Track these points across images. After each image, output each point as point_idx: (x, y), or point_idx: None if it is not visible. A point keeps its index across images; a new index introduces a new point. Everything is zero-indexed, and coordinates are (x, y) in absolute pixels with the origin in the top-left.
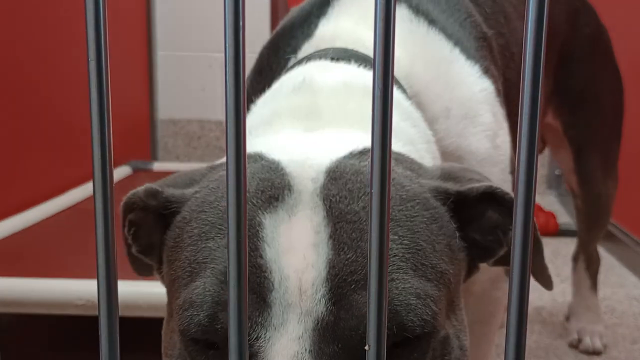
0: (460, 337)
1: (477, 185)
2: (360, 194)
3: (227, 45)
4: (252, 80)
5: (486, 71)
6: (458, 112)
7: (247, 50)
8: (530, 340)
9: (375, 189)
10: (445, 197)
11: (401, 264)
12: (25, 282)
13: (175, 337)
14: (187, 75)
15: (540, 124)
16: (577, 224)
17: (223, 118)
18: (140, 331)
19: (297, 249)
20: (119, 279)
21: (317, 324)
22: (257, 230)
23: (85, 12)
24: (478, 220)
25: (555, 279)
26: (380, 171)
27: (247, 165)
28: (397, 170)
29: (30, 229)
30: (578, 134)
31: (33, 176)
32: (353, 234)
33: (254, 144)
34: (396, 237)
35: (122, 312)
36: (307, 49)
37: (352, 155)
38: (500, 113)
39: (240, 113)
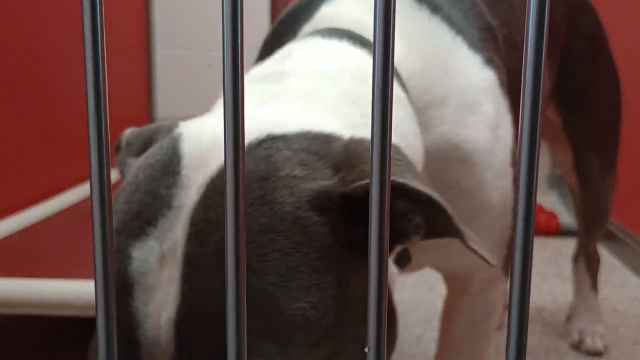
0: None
1: (362, 183)
2: (216, 228)
3: (225, 45)
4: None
5: (489, 61)
6: (456, 100)
7: (247, 49)
8: (532, 340)
9: (375, 185)
10: (328, 202)
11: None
12: (23, 282)
13: None
14: (187, 74)
15: (542, 117)
16: (576, 223)
17: None
18: None
19: (161, 284)
20: None
21: None
22: (126, 268)
23: (82, 11)
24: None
25: (556, 279)
26: (380, 179)
27: (152, 152)
28: (282, 173)
29: (28, 229)
30: (577, 133)
31: (31, 176)
32: (197, 283)
33: (196, 121)
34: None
35: None
36: (305, 29)
37: (249, 148)
38: (502, 104)
39: (238, 113)
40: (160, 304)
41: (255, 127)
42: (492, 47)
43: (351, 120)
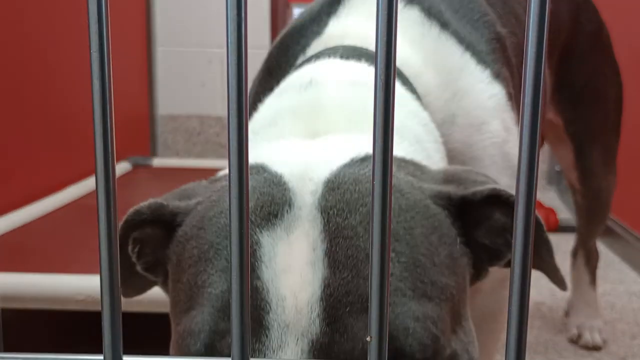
0: (469, 350)
1: (481, 188)
2: (358, 205)
3: (229, 42)
4: (260, 79)
5: (497, 75)
6: (464, 120)
7: (248, 47)
8: (531, 335)
9: (377, 189)
10: (448, 202)
11: (399, 284)
12: (27, 277)
13: None
14: (187, 71)
15: (542, 120)
16: (576, 219)
17: (223, 114)
18: (142, 326)
19: (294, 268)
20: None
21: (312, 345)
22: (255, 250)
23: (88, 11)
24: (484, 223)
25: None
26: (382, 174)
27: (249, 177)
28: (398, 176)
29: (31, 224)
30: (579, 129)
31: (34, 172)
32: (349, 251)
33: (258, 150)
34: (393, 254)
35: (124, 308)
36: (316, 46)
37: (352, 163)
38: (510, 118)
39: (242, 112)
40: (294, 286)
41: (339, 152)
42: (501, 58)
43: (404, 149)
